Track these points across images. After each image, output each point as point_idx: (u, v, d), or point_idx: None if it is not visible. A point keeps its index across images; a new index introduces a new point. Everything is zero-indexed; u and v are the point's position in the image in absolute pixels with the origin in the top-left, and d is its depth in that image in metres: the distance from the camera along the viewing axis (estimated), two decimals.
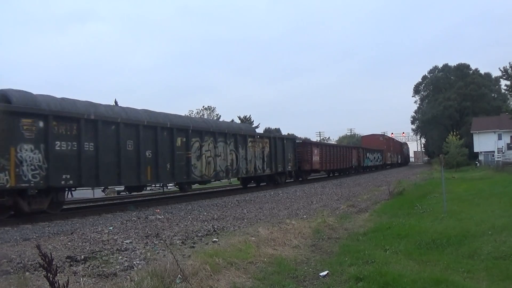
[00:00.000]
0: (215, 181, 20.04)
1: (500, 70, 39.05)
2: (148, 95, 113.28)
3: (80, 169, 11.75)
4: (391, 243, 6.89)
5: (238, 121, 75.50)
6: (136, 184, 14.20)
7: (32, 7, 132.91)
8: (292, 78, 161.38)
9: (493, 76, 61.78)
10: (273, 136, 23.75)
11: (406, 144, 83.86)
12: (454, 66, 65.84)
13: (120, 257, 6.10)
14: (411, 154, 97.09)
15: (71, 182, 11.67)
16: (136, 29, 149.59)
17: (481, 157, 48.28)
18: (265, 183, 23.19)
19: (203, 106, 66.31)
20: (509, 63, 37.37)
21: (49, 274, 2.65)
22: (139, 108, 15.55)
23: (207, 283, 4.67)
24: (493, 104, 58.82)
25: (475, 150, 49.62)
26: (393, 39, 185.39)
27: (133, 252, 6.46)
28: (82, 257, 6.13)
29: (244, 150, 19.84)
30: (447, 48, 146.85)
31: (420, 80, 71.02)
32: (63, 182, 11.44)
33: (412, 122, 75.72)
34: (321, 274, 5.30)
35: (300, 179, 27.71)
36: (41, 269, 3.35)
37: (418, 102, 72.50)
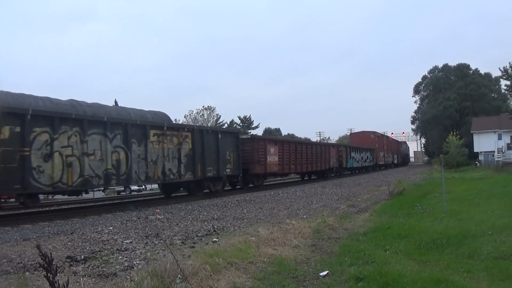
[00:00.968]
0: (86, 192, 13.99)
1: (500, 70, 39.05)
2: (148, 95, 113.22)
3: None
4: (391, 243, 6.89)
5: (238, 121, 75.84)
6: None
7: (32, 7, 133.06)
8: (292, 78, 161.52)
9: (493, 76, 61.78)
10: (198, 129, 17.66)
11: (405, 143, 79.84)
12: (454, 66, 65.85)
13: (120, 257, 6.10)
14: (411, 154, 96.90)
15: None
16: (136, 29, 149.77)
17: (481, 157, 48.28)
18: (187, 193, 17.66)
19: (203, 106, 66.27)
20: (509, 63, 37.39)
21: (49, 274, 2.65)
22: None
23: (207, 283, 4.67)
24: (493, 104, 58.79)
25: (475, 150, 49.63)
26: (393, 39, 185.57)
27: (133, 252, 6.46)
28: (82, 257, 6.13)
29: (142, 147, 14.18)
30: (447, 48, 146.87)
31: (420, 80, 71.11)
32: None
33: (412, 122, 75.80)
34: (321, 274, 5.30)
35: (251, 185, 21.69)
36: (41, 269, 3.35)
37: (418, 102, 72.57)
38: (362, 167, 43.24)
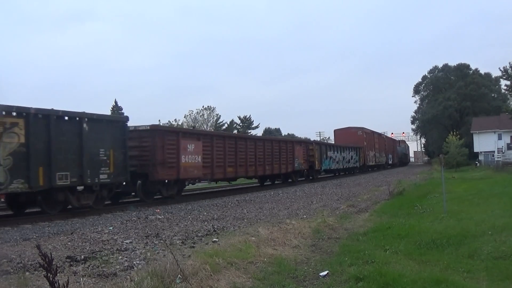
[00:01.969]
0: None
1: (500, 70, 39.07)
2: (148, 95, 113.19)
3: None
4: (391, 243, 6.89)
5: (238, 121, 75.88)
6: None
7: (31, 7, 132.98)
8: (292, 77, 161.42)
9: (493, 76, 61.78)
10: (40, 114, 10.98)
11: (404, 142, 76.36)
12: (454, 66, 65.84)
13: (120, 257, 6.10)
14: (411, 154, 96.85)
15: None
16: (135, 28, 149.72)
17: (481, 157, 48.30)
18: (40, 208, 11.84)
19: (203, 106, 66.23)
20: (509, 63, 37.38)
21: (49, 274, 2.65)
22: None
23: (207, 283, 4.67)
24: (493, 104, 58.81)
25: (475, 150, 49.64)
26: (393, 39, 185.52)
27: (133, 252, 6.46)
28: (82, 257, 6.13)
29: None
30: (447, 48, 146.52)
31: (420, 80, 71.06)
32: None
33: (412, 122, 75.74)
34: (321, 274, 5.30)
35: (159, 196, 15.61)
36: (41, 269, 3.35)
37: (418, 102, 72.54)
38: (345, 169, 36.80)
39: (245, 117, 77.48)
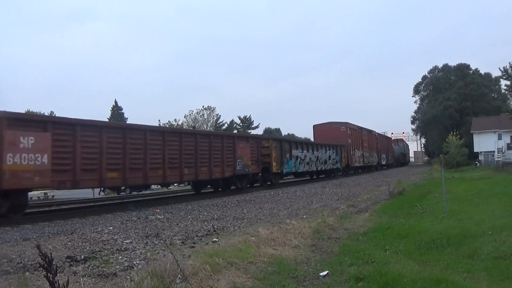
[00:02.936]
0: None
1: (500, 70, 39.19)
2: (148, 95, 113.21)
3: None
4: (391, 243, 6.90)
5: (238, 121, 75.82)
6: None
7: (31, 6, 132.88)
8: (292, 77, 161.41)
9: (493, 76, 61.87)
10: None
11: (402, 141, 72.64)
12: (454, 66, 65.93)
13: (120, 257, 6.10)
14: (411, 154, 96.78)
15: None
16: (135, 28, 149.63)
17: (481, 157, 48.35)
18: None
19: (203, 106, 66.31)
20: (509, 63, 37.55)
21: (49, 274, 2.65)
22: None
23: (207, 283, 4.67)
24: (493, 104, 58.86)
25: (475, 150, 49.69)
26: (393, 39, 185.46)
27: (133, 252, 6.46)
28: (82, 257, 6.13)
29: None
30: (447, 47, 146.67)
31: (420, 80, 71.20)
32: None
33: (412, 122, 75.87)
34: (321, 274, 5.30)
35: None
36: (41, 269, 3.35)
37: (418, 102, 72.65)
38: (321, 171, 30.46)
39: (245, 117, 77.62)
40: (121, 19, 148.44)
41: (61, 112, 63.61)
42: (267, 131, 78.24)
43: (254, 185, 22.23)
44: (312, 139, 36.69)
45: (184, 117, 64.15)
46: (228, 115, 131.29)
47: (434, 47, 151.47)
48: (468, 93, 60.07)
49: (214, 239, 7.38)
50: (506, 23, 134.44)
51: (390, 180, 24.44)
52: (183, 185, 25.94)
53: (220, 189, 19.50)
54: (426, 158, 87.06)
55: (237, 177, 19.25)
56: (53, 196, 24.37)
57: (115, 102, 68.13)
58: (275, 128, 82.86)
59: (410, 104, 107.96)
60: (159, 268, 4.72)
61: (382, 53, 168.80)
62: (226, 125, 69.05)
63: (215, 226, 9.07)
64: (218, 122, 67.49)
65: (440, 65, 68.50)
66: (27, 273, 5.21)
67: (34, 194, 21.87)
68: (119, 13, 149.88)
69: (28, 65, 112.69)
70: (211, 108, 66.23)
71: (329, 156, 31.09)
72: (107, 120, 56.82)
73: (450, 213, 9.63)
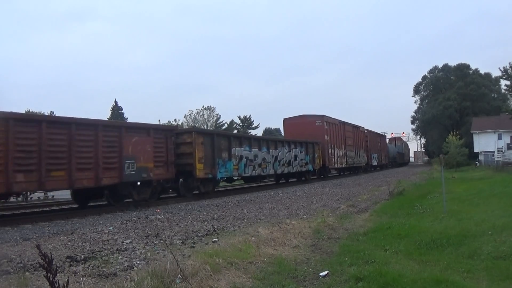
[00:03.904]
0: None
1: (500, 70, 39.16)
2: (148, 95, 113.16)
3: None
4: (391, 243, 6.90)
5: (238, 121, 75.76)
6: None
7: (31, 6, 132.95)
8: (293, 77, 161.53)
9: (493, 76, 61.91)
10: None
11: (399, 139, 69.91)
12: (454, 66, 65.96)
13: (120, 257, 6.10)
14: (411, 154, 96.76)
15: None
16: (135, 28, 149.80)
17: (481, 157, 48.36)
18: None
19: (203, 106, 66.26)
20: (509, 63, 37.52)
21: (49, 274, 2.65)
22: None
23: (207, 283, 4.67)
24: (493, 104, 58.89)
25: (475, 150, 49.72)
26: (393, 39, 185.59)
27: (133, 252, 6.46)
28: (82, 257, 6.13)
29: None
30: (447, 47, 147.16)
31: (420, 80, 71.28)
32: None
33: (412, 122, 75.89)
34: (321, 274, 5.30)
35: None
36: (41, 269, 3.35)
37: (418, 102, 72.72)
38: (282, 175, 24.68)
39: (245, 117, 77.54)
40: (121, 18, 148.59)
41: (61, 112, 63.50)
42: (267, 131, 78.21)
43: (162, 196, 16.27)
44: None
45: (184, 117, 64.10)
46: (228, 115, 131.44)
47: (434, 47, 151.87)
48: (468, 93, 60.09)
49: (214, 239, 7.38)
50: (506, 23, 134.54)
51: (390, 180, 24.43)
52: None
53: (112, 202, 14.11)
54: (426, 158, 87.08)
55: (129, 185, 13.74)
56: (53, 196, 24.33)
57: (115, 102, 68.11)
58: (275, 128, 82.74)
59: (410, 104, 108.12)
60: (159, 268, 4.72)
61: (382, 53, 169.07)
62: (226, 125, 69.03)
63: (215, 226, 9.07)
64: (218, 122, 67.45)
65: (440, 65, 68.65)
66: (27, 273, 5.21)
67: (34, 194, 21.82)
68: (119, 12, 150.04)
69: (28, 65, 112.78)
70: (211, 108, 66.17)
71: (295, 156, 24.99)
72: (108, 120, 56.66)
73: (450, 213, 9.63)
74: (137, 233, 8.45)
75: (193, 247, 6.76)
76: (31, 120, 11.41)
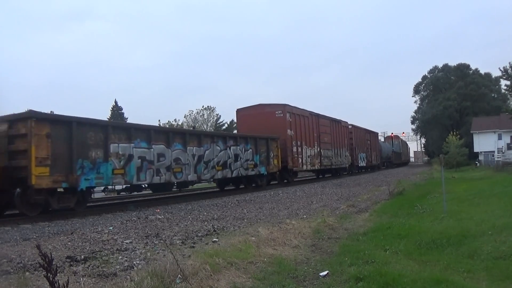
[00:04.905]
0: None
1: (500, 70, 39.14)
2: (148, 95, 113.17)
3: None
4: (391, 243, 6.89)
5: None
6: None
7: (30, 6, 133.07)
8: (293, 77, 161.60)
9: (493, 76, 61.96)
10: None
11: (397, 137, 65.66)
12: (454, 66, 66.02)
13: (120, 257, 6.10)
14: (411, 154, 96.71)
15: None
16: (135, 27, 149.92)
17: (481, 157, 48.37)
18: None
19: (203, 106, 66.26)
20: (509, 63, 37.51)
21: (49, 274, 2.65)
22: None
23: (207, 283, 4.67)
24: (493, 104, 58.93)
25: (475, 150, 49.74)
26: (393, 39, 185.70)
27: (133, 252, 6.45)
28: (82, 257, 6.13)
29: None
30: (447, 47, 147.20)
31: (420, 80, 71.32)
32: None
33: (412, 122, 75.92)
34: (321, 274, 5.30)
35: None
36: (41, 269, 3.35)
37: (418, 102, 72.76)
38: (222, 180, 19.56)
39: None
40: (121, 18, 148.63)
41: (61, 112, 63.48)
42: None
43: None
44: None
45: (184, 117, 64.14)
46: (228, 115, 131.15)
47: (434, 47, 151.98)
48: (468, 93, 60.13)
49: (214, 239, 7.38)
50: (506, 23, 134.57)
51: (390, 180, 24.42)
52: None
53: None
54: (426, 158, 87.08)
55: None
56: None
57: (115, 102, 68.08)
58: None
59: (410, 104, 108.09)
60: (159, 268, 4.72)
61: (382, 53, 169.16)
62: (226, 125, 68.99)
63: (215, 226, 9.06)
64: (218, 122, 67.44)
65: (440, 65, 68.70)
66: (27, 273, 5.21)
67: None
68: (119, 12, 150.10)
69: (28, 64, 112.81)
70: (211, 108, 66.18)
71: (235, 156, 19.01)
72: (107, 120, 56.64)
73: (450, 213, 9.63)
74: (137, 233, 8.45)
75: (193, 247, 6.75)
76: None
